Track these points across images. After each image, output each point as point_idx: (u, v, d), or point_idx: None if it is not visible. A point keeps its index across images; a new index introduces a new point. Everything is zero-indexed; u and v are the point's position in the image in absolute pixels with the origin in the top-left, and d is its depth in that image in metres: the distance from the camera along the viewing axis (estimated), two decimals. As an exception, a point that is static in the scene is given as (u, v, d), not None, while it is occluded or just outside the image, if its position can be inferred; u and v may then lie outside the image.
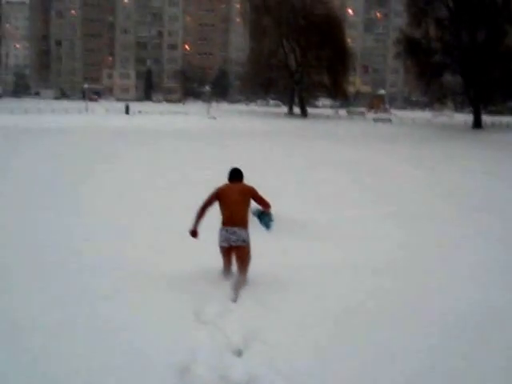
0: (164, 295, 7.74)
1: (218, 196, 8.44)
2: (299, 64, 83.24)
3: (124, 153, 27.05)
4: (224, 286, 8.00)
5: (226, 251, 8.35)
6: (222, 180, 8.76)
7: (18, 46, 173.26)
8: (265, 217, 8.63)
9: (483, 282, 8.88)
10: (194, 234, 8.47)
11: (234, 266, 8.44)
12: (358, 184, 19.56)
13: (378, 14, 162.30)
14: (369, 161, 27.83)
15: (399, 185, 19.86)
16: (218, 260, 8.50)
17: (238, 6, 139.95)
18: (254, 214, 8.67)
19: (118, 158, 24.58)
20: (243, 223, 8.29)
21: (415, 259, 10.15)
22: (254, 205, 8.58)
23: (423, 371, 5.89)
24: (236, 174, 8.81)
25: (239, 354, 6.19)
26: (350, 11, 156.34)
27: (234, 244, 8.22)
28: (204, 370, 5.76)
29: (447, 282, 8.85)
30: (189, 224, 8.47)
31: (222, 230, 8.27)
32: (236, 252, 8.32)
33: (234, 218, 8.23)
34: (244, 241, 8.26)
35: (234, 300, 7.73)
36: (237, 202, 8.33)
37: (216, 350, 6.14)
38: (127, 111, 73.45)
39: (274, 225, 8.74)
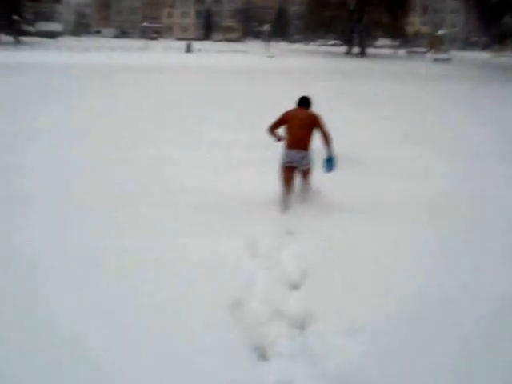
0: (219, 223, 8.21)
1: (285, 119, 8.94)
2: (358, 3, 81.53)
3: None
4: (280, 217, 8.38)
5: (289, 172, 8.85)
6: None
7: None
8: (330, 163, 8.90)
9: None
10: (279, 139, 9.17)
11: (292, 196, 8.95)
12: (414, 122, 19.41)
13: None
14: (423, 99, 27.44)
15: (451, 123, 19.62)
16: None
17: None
18: (323, 161, 8.96)
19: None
20: (307, 147, 8.77)
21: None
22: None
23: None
24: (304, 101, 9.25)
25: (296, 288, 6.24)
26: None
27: (299, 166, 8.77)
28: (258, 303, 5.79)
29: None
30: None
31: (288, 151, 8.80)
32: (302, 173, 8.88)
33: (299, 142, 8.72)
34: (310, 163, 8.81)
35: (305, 201, 8.82)
36: (302, 126, 8.75)
37: (271, 284, 6.25)
38: (189, 49, 73.00)
39: (335, 168, 8.99)
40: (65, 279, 6.27)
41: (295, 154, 8.68)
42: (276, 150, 9.48)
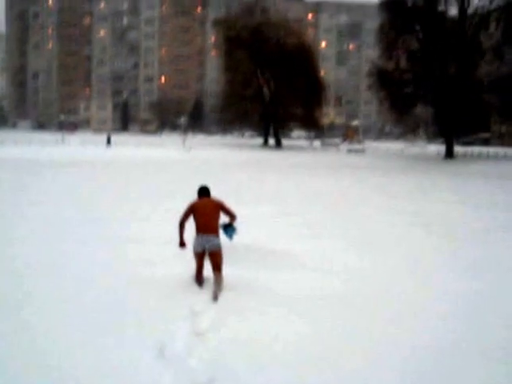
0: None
1: (192, 209, 9.64)
2: (273, 95, 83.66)
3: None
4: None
5: (200, 256, 9.54)
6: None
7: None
8: (228, 229, 9.97)
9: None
10: (182, 245, 9.74)
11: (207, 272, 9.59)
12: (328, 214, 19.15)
13: (351, 46, 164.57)
14: (340, 191, 27.48)
15: (368, 213, 19.44)
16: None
17: (213, 38, 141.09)
18: (220, 227, 9.78)
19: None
20: (215, 231, 9.52)
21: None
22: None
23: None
24: (204, 191, 10.09)
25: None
26: (323, 44, 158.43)
27: (209, 249, 9.42)
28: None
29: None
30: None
31: (197, 237, 9.49)
32: (211, 256, 9.46)
33: (207, 227, 9.44)
34: (218, 246, 9.48)
35: (216, 298, 8.93)
36: (209, 213, 9.55)
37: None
38: (109, 141, 71.22)
39: (236, 235, 10.13)
40: None
41: (203, 241, 9.38)
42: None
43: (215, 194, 10.50)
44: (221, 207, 9.72)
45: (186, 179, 28.88)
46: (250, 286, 9.62)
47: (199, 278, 9.69)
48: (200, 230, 9.46)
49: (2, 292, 8.90)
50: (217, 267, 9.46)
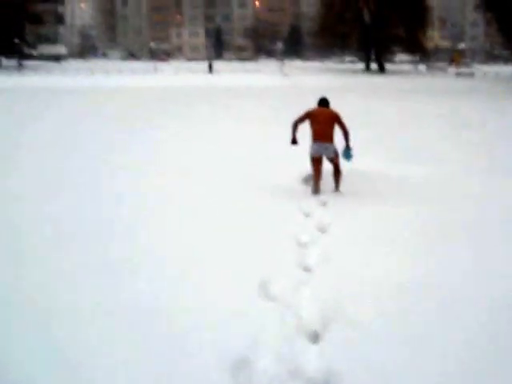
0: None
1: (308, 115, 10.24)
2: (374, 17, 78.80)
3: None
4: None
5: (317, 161, 10.14)
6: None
7: (82, 6, 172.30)
8: (347, 152, 10.30)
9: None
10: (294, 141, 10.47)
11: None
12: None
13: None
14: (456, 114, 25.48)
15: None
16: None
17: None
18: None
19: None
20: (331, 139, 10.13)
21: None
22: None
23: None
24: (324, 101, 10.53)
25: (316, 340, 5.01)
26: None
27: (327, 156, 10.13)
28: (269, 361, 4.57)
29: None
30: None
31: (313, 144, 10.12)
32: (330, 161, 10.22)
33: (323, 135, 10.03)
34: (335, 152, 10.20)
35: (337, 189, 10.34)
36: (325, 121, 10.08)
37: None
38: (210, 70, 71.08)
39: (353, 157, 10.42)
40: None
41: (320, 146, 10.02)
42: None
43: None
44: (337, 119, 10.09)
45: (288, 105, 26.47)
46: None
47: (316, 185, 10.15)
48: (316, 137, 10.05)
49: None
50: (336, 169, 10.29)
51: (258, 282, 6.01)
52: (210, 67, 71.90)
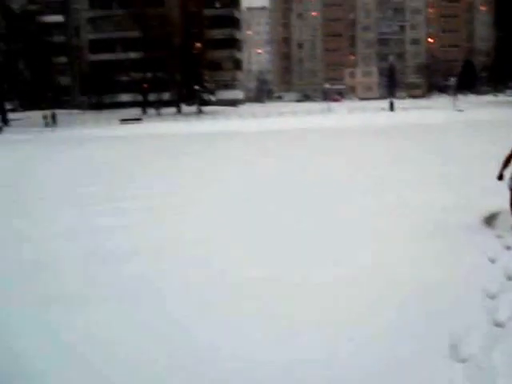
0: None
1: None
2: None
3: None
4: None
5: None
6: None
7: (259, 51, 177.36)
8: None
9: None
10: (500, 177, 9.87)
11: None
12: None
13: None
14: None
15: None
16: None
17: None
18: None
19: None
20: None
21: None
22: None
23: None
24: None
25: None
26: None
27: None
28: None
29: None
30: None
31: None
32: None
33: None
34: None
35: None
36: None
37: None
38: (392, 108, 72.17)
39: None
40: None
41: None
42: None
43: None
44: None
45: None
46: None
47: None
48: None
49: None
50: None
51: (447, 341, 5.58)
52: (392, 105, 72.31)
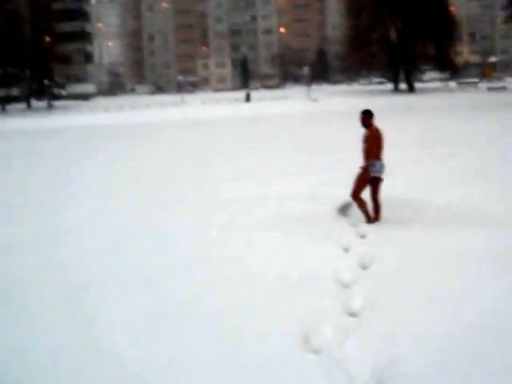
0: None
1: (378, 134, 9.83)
2: (401, 36, 77.85)
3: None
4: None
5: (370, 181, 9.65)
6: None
7: (110, 44, 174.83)
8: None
9: None
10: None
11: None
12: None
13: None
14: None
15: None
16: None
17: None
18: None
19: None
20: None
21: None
22: None
23: None
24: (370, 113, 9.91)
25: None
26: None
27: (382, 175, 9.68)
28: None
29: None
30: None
31: (379, 162, 9.60)
32: (379, 182, 9.71)
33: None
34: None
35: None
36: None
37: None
38: (248, 99, 71.90)
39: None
40: None
41: (383, 165, 9.63)
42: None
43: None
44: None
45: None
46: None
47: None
48: (380, 155, 9.63)
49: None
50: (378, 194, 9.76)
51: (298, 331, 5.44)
52: (248, 96, 72.54)
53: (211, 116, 47.30)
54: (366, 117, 9.76)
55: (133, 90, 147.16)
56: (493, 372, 4.71)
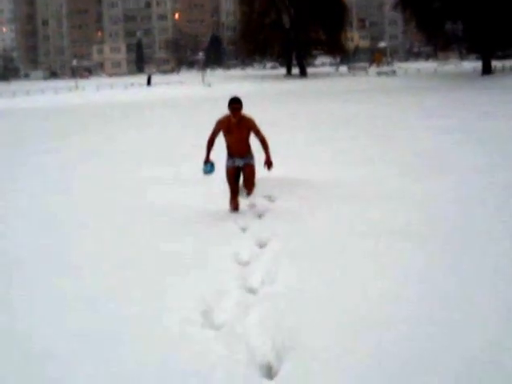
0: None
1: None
2: (294, 22, 79.06)
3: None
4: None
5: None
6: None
7: (4, 29, 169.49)
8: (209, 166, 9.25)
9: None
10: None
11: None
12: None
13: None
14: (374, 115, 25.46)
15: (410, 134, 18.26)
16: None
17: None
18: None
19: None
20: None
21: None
22: None
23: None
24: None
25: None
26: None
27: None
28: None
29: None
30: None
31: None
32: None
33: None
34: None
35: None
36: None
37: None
38: (149, 82, 71.32)
39: (211, 173, 9.40)
40: None
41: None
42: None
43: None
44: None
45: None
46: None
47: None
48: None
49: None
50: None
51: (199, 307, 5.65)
52: (149, 80, 71.91)
53: (117, 100, 47.64)
54: (239, 106, 9.01)
55: (27, 76, 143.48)
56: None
